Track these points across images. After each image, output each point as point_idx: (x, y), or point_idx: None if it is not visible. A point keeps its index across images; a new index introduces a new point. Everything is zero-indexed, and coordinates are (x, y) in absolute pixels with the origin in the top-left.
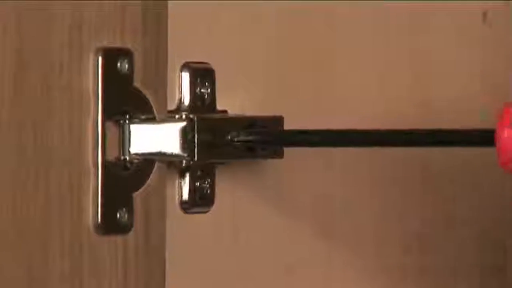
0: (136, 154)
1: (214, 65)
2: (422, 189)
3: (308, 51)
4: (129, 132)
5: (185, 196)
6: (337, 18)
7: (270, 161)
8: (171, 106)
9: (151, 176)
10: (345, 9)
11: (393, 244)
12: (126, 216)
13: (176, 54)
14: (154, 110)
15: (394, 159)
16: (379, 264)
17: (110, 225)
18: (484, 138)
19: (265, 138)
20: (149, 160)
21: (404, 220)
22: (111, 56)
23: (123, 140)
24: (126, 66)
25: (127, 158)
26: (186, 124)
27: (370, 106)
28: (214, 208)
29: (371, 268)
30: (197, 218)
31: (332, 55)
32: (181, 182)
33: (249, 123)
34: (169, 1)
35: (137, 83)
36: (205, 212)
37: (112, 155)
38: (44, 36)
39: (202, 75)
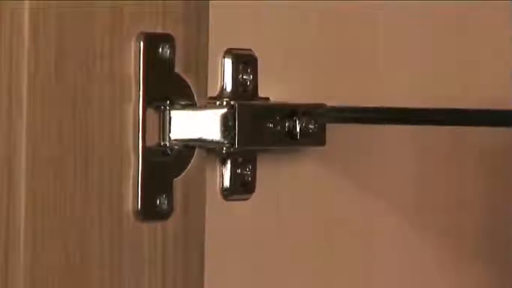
0: (176, 140)
1: (256, 52)
2: (462, 171)
3: (351, 38)
4: (170, 118)
5: (226, 183)
6: (379, 4)
7: (311, 148)
8: (213, 92)
9: (191, 163)
10: None
11: (431, 231)
12: (166, 202)
13: (219, 41)
14: (195, 96)
15: (435, 146)
16: (416, 248)
17: (150, 211)
18: None
19: (306, 126)
20: (189, 147)
21: (446, 207)
22: (153, 41)
23: (164, 126)
24: (168, 51)
25: (167, 144)
26: (227, 111)
27: (414, 95)
28: (254, 195)
29: (409, 254)
30: (237, 205)
31: (375, 44)
32: (222, 169)
33: (291, 111)
34: None
35: (178, 69)
36: (246, 199)
37: (152, 141)
38: (84, 23)
39: (245, 62)
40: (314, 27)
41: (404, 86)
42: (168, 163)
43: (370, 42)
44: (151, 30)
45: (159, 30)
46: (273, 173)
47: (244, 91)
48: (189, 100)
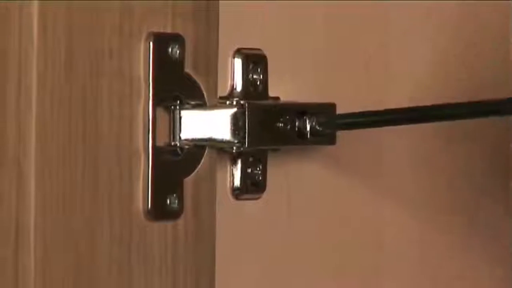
0: (187, 140)
1: (266, 52)
2: (471, 171)
3: (360, 37)
4: (180, 118)
5: (237, 182)
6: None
7: (322, 147)
8: (224, 92)
9: (201, 162)
10: None
11: (441, 230)
12: (176, 202)
13: (229, 40)
14: (205, 96)
15: (446, 144)
16: (426, 247)
17: (160, 211)
18: None
19: (316, 125)
20: (199, 146)
21: (457, 205)
22: (162, 41)
23: (174, 125)
24: (177, 51)
25: (178, 144)
26: (237, 110)
27: (421, 92)
28: (265, 194)
29: (420, 253)
30: (248, 205)
31: (383, 42)
32: (232, 169)
33: (301, 110)
34: None
35: (188, 69)
36: (257, 199)
37: (162, 141)
38: (94, 23)
39: (255, 61)
40: (323, 26)
41: (407, 86)
42: (178, 162)
43: (378, 40)
44: (160, 30)
45: (168, 30)
46: (284, 173)
47: (254, 91)
48: (199, 99)
